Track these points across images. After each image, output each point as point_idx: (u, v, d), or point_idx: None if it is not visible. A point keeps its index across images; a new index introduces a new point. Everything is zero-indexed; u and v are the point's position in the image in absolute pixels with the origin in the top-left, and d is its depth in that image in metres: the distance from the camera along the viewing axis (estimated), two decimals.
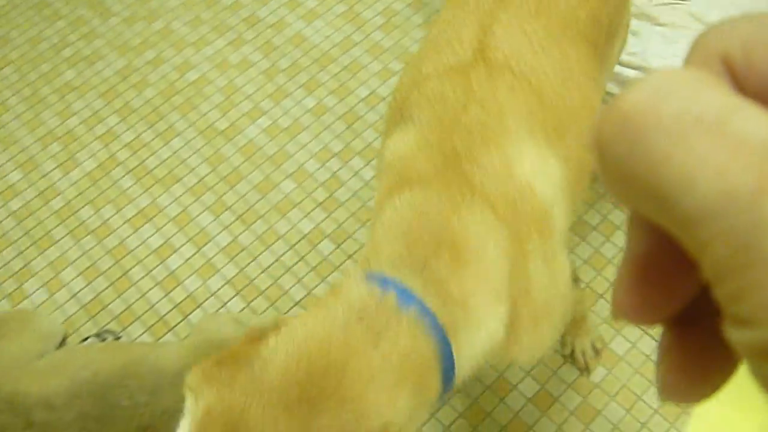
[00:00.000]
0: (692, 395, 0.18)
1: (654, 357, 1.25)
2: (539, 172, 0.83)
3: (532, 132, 0.83)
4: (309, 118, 1.67)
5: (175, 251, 1.51)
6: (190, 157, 1.65)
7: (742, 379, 0.18)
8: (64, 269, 1.52)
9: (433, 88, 0.87)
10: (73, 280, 1.50)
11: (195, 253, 1.50)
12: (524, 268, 0.77)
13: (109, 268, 1.51)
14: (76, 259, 1.53)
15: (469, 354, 0.70)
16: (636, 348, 1.29)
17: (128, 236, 1.55)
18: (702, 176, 0.14)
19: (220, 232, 1.53)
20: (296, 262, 1.46)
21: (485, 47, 0.88)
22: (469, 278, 0.71)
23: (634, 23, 1.44)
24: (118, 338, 1.39)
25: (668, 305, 0.18)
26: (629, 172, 0.16)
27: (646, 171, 0.15)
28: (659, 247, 0.18)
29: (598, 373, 1.27)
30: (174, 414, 1.13)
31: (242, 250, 1.49)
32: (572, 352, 1.30)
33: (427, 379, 0.65)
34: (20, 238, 1.57)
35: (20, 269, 1.53)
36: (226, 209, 1.56)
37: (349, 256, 1.46)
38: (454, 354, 0.68)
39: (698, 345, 0.18)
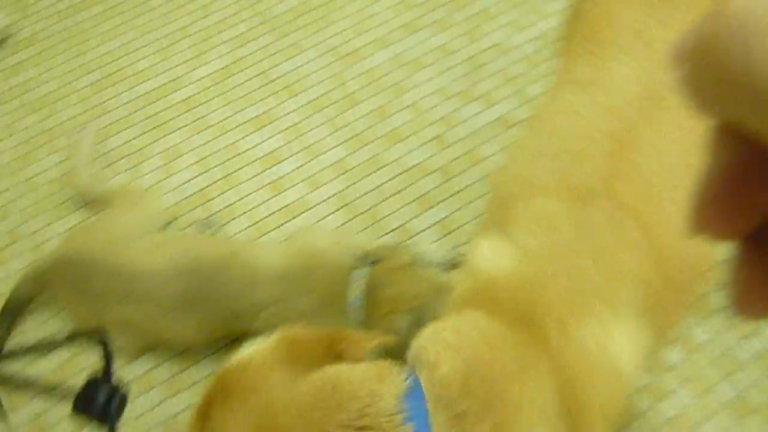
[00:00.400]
0: (765, 310, 0.19)
1: (733, 351, 1.23)
2: (632, 354, 0.69)
3: (636, 311, 0.69)
4: (434, 56, 1.67)
5: (282, 161, 1.55)
6: (311, 74, 1.68)
7: None
8: (177, 158, 1.58)
9: (543, 207, 0.71)
10: (183, 169, 1.56)
11: (301, 166, 1.54)
12: None
13: (219, 164, 1.56)
14: (189, 151, 1.59)
15: None
16: (716, 340, 1.26)
17: (241, 138, 1.60)
18: None
19: (328, 150, 1.55)
20: (396, 192, 1.48)
21: (615, 178, 0.70)
22: None
23: None
24: (217, 231, 1.45)
25: (748, 219, 0.18)
26: (732, 73, 0.15)
27: (752, 70, 0.15)
28: (743, 159, 0.18)
29: (676, 356, 1.25)
30: (265, 307, 1.18)
31: (346, 172, 1.52)
32: None
33: None
34: (142, 121, 1.65)
35: (138, 150, 1.61)
36: (337, 130, 1.58)
37: (453, 194, 1.46)
38: None
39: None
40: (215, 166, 1.56)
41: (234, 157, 1.57)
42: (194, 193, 1.53)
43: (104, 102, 1.69)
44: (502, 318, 0.66)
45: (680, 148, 0.71)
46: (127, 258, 1.21)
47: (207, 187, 1.54)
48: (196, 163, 1.57)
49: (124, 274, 1.20)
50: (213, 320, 1.20)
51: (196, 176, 1.55)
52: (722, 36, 0.16)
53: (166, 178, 1.56)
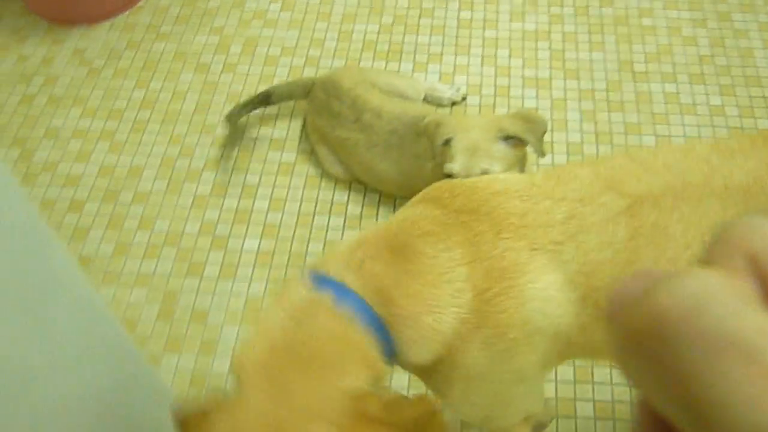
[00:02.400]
0: None
1: None
2: (546, 301, 0.77)
3: (567, 275, 0.77)
4: None
5: None
6: None
7: None
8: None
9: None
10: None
11: None
12: (476, 330, 0.76)
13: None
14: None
15: (407, 347, 0.77)
16: None
17: None
18: (734, 403, 0.14)
19: None
20: None
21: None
22: (411, 280, 0.75)
23: None
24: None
25: None
26: (655, 369, 0.16)
27: (676, 377, 0.15)
28: (658, 428, 0.18)
29: None
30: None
31: None
32: None
33: (365, 356, 0.73)
34: None
35: None
36: None
37: None
38: (395, 338, 0.76)
39: None
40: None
41: None
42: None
43: None
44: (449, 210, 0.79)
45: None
46: (366, 95, 1.53)
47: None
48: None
49: (360, 105, 1.52)
50: (400, 170, 1.48)
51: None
52: (649, 329, 0.16)
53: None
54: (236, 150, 1.70)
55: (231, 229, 1.59)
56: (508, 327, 0.76)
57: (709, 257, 0.18)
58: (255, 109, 1.68)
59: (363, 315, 0.74)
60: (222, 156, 1.68)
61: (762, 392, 0.14)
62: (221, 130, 1.75)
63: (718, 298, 0.15)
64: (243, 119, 1.70)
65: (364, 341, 0.73)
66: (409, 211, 0.82)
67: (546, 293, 0.76)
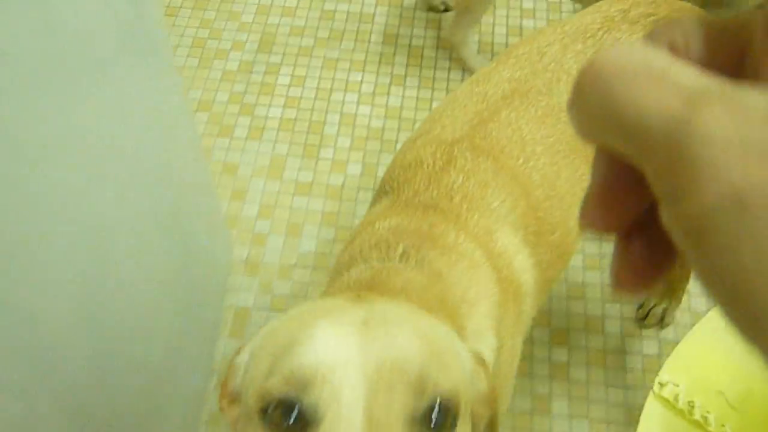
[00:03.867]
0: (638, 288, 0.24)
1: None
2: (517, 254, 0.83)
3: (514, 225, 0.84)
4: None
5: None
6: None
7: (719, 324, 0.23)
8: None
9: (414, 156, 0.88)
10: None
11: None
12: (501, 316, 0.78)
13: None
14: None
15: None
16: None
17: None
18: (651, 107, 0.19)
19: None
20: None
21: (475, 133, 0.88)
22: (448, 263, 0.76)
23: None
24: None
25: (623, 218, 0.23)
26: (600, 111, 0.20)
27: (613, 108, 0.20)
28: (617, 173, 0.23)
29: None
30: None
31: None
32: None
33: None
34: None
35: None
36: None
37: None
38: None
39: (643, 249, 0.23)
40: None
41: None
42: None
43: None
44: (401, 214, 0.82)
45: (531, 124, 0.90)
46: None
47: None
48: None
49: None
50: None
51: None
52: (591, 83, 0.21)
53: None
54: None
55: (257, 99, 1.76)
56: (522, 299, 0.83)
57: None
58: None
59: None
60: None
61: (668, 96, 0.19)
62: (246, 16, 1.92)
63: (639, 50, 0.21)
64: None
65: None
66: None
67: (519, 258, 0.84)
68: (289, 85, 1.79)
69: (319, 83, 1.80)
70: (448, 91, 1.79)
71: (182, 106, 1.16)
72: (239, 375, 0.57)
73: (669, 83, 0.19)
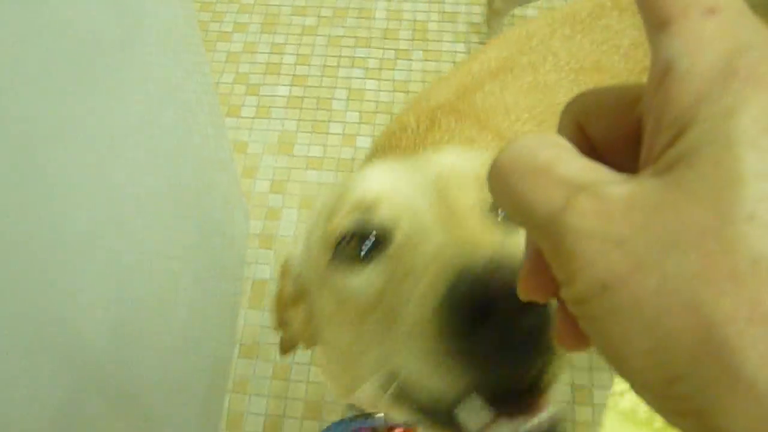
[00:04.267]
0: (577, 348, 0.25)
1: None
2: None
3: None
4: None
5: None
6: None
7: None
8: None
9: (399, 123, 0.90)
10: None
11: None
12: None
13: None
14: None
15: None
16: None
17: None
18: (536, 200, 0.21)
19: None
20: None
21: (459, 101, 0.90)
22: None
23: None
24: None
25: (551, 288, 0.24)
26: (504, 203, 0.22)
27: (510, 200, 0.22)
28: (537, 250, 0.24)
29: None
30: None
31: None
32: None
33: None
34: None
35: None
36: None
37: None
38: None
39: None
40: None
41: None
42: None
43: None
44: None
45: (516, 95, 0.91)
46: None
47: None
48: None
49: None
50: None
51: None
52: (495, 177, 0.23)
53: None
54: None
55: (264, 79, 1.75)
56: None
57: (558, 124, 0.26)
58: None
59: None
60: None
61: (551, 190, 0.21)
62: None
63: (532, 144, 0.22)
64: None
65: None
66: None
67: None
68: (295, 64, 1.78)
69: (325, 61, 1.79)
70: (454, 63, 1.78)
71: (204, 82, 1.16)
72: (298, 267, 0.55)
73: (553, 177, 0.21)
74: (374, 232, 0.46)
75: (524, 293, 0.25)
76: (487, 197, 0.47)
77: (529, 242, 0.26)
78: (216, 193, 1.23)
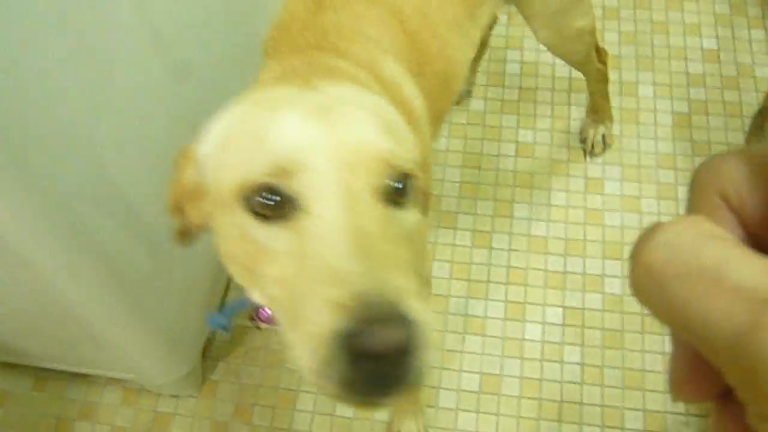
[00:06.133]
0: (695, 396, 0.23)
1: None
2: (404, 82, 0.83)
3: (397, 56, 0.84)
4: None
5: None
6: None
7: None
8: None
9: (286, 13, 0.85)
10: None
11: None
12: None
13: None
14: None
15: None
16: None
17: None
18: (713, 318, 0.18)
19: None
20: None
21: None
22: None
23: None
24: None
25: (713, 390, 0.22)
26: (660, 309, 0.20)
27: (672, 310, 0.20)
28: (692, 352, 0.22)
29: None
30: None
31: None
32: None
33: None
34: None
35: None
36: None
37: None
38: None
39: (737, 418, 0.21)
40: None
41: None
42: None
43: None
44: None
45: None
46: None
47: None
48: None
49: None
50: None
51: None
52: (644, 282, 0.20)
53: None
54: None
55: None
56: (418, 124, 0.84)
57: (691, 204, 0.23)
58: None
59: None
60: None
61: (729, 304, 0.18)
62: None
63: (687, 240, 0.20)
64: None
65: None
66: None
67: (407, 86, 0.85)
68: None
69: None
70: None
71: None
72: (203, 167, 0.57)
73: (729, 287, 0.19)
74: (281, 197, 0.50)
75: (679, 395, 0.23)
76: (384, 178, 0.51)
77: (680, 343, 0.22)
78: None
